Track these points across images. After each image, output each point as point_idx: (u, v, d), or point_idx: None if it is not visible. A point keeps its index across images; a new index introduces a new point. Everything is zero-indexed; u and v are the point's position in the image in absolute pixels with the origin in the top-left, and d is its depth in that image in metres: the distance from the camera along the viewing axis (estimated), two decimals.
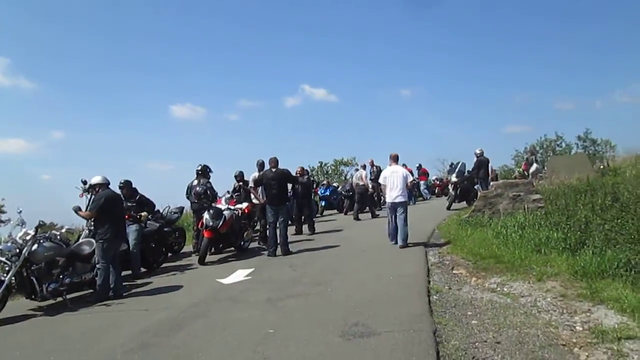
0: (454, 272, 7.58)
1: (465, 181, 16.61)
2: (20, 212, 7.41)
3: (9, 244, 7.05)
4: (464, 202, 16.83)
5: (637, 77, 60.19)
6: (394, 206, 9.97)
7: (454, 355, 4.11)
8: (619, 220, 7.90)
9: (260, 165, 12.00)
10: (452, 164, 19.49)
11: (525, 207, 10.93)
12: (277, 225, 10.09)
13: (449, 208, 16.29)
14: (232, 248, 11.09)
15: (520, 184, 11.74)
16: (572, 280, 6.18)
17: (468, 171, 16.95)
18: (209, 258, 10.12)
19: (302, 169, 14.18)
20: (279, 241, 10.04)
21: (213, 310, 6.19)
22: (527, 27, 70.34)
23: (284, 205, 10.31)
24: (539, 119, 62.88)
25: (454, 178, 16.82)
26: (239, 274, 8.43)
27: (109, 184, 8.00)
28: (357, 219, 15.98)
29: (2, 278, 6.68)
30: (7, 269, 6.82)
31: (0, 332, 6.20)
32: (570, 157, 25.97)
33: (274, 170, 10.22)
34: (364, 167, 18.15)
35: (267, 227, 10.60)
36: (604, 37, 65.18)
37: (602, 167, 19.45)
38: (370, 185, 19.45)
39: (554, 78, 67.49)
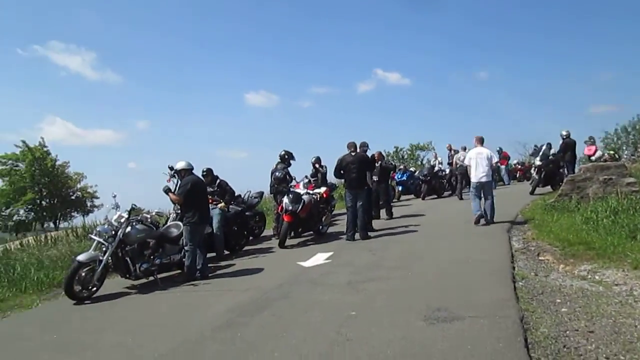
0: (539, 258, 7.30)
1: (550, 164, 15.84)
2: (115, 196, 7.91)
3: (106, 227, 7.54)
4: (549, 187, 16.08)
5: None
6: (480, 185, 10.51)
7: (544, 343, 3.96)
8: None
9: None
10: (535, 146, 18.69)
11: (618, 191, 10.28)
12: (357, 208, 10.09)
13: (532, 193, 15.64)
14: (311, 232, 11.25)
15: (612, 167, 11.04)
16: None
17: (553, 154, 16.14)
18: (288, 242, 10.33)
19: (380, 153, 14.09)
20: (357, 225, 10.06)
21: (295, 292, 6.32)
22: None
23: (363, 190, 10.28)
24: (626, 97, 58.66)
25: (537, 161, 16.08)
26: (319, 257, 8.55)
27: (192, 169, 8.33)
28: (461, 198, 16.02)
29: (101, 258, 7.16)
30: (104, 249, 7.30)
31: (101, 307, 6.68)
32: None
33: (353, 154, 10.19)
34: (464, 148, 17.76)
35: (346, 211, 10.60)
36: None
37: None
38: (448, 170, 19.16)
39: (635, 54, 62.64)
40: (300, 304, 5.76)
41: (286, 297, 6.13)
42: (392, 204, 14.30)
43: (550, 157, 15.90)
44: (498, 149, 22.99)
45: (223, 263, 9.16)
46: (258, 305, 5.85)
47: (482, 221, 10.37)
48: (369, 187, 10.87)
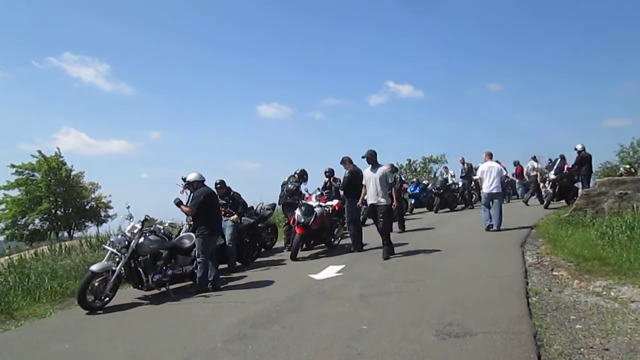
0: (553, 273, 7.22)
1: (565, 178, 15.71)
2: (129, 207, 7.99)
3: (119, 237, 7.61)
4: (563, 201, 15.94)
5: None
6: (490, 196, 11.68)
7: None
8: None
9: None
10: (550, 159, 18.57)
11: (634, 206, 10.15)
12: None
13: (546, 207, 15.51)
14: (323, 244, 11.24)
15: (628, 182, 10.91)
16: None
17: (567, 168, 16.04)
18: (300, 254, 10.33)
19: (392, 166, 14.07)
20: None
21: (306, 305, 6.31)
22: (622, 13, 65.03)
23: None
24: None
25: (552, 175, 15.96)
26: (331, 270, 8.54)
27: (204, 180, 8.37)
28: (547, 207, 15.66)
29: (114, 268, 7.22)
30: (117, 259, 7.36)
31: (113, 318, 6.71)
32: None
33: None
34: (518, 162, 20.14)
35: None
36: None
37: None
38: (461, 183, 19.12)
39: None
40: (312, 316, 5.75)
41: (297, 309, 6.12)
42: (404, 216, 14.25)
43: (565, 171, 15.79)
44: (515, 161, 22.75)
45: (235, 275, 9.18)
46: (269, 317, 5.84)
47: (493, 228, 11.46)
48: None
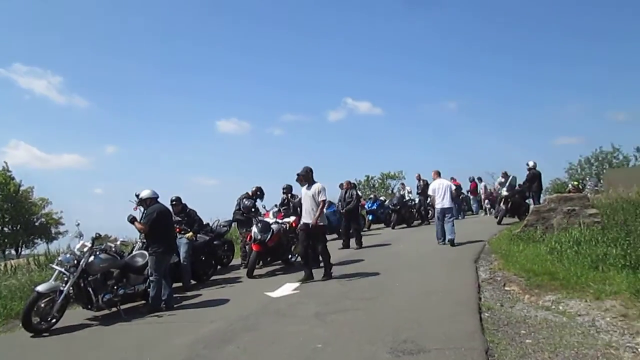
0: (505, 288, 7.37)
1: (517, 195, 16.19)
2: (79, 224, 7.74)
3: (68, 256, 7.35)
4: (515, 217, 16.40)
5: None
6: (443, 211, 12.27)
7: None
8: None
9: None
10: (503, 176, 19.10)
11: (581, 222, 10.53)
12: None
13: (499, 222, 15.90)
14: (280, 262, 11.17)
15: (575, 198, 11.33)
16: (633, 300, 5.89)
17: (519, 185, 16.55)
18: (256, 271, 10.22)
19: (350, 183, 14.17)
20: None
21: (262, 324, 6.23)
22: (575, 40, 68.01)
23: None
24: (590, 130, 60.67)
25: (504, 192, 16.41)
26: (287, 288, 8.47)
27: (157, 197, 8.21)
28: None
29: (62, 288, 6.94)
30: (65, 279, 7.09)
31: (60, 340, 6.43)
32: (628, 169, 25.02)
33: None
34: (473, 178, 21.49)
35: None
36: None
37: None
38: (417, 199, 19.42)
39: (606, 87, 65.03)
40: (267, 336, 5.67)
41: (253, 328, 6.03)
42: (362, 233, 14.33)
43: (517, 188, 16.27)
44: (470, 177, 23.31)
45: (189, 293, 8.99)
46: (224, 337, 5.73)
47: (447, 242, 11.99)
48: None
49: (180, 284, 9.35)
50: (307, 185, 9.10)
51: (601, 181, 21.02)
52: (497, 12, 69.13)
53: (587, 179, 32.04)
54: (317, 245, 9.02)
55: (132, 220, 7.93)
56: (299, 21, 75.33)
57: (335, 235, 15.79)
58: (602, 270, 7.25)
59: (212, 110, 74.52)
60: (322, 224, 8.99)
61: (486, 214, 21.58)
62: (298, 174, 9.17)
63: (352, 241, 13.32)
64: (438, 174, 12.93)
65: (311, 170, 9.18)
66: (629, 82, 62.90)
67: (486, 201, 21.95)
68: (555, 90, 67.39)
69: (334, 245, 13.62)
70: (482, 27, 72.51)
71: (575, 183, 20.51)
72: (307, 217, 8.95)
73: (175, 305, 7.86)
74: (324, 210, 9.05)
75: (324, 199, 8.94)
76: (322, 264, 9.18)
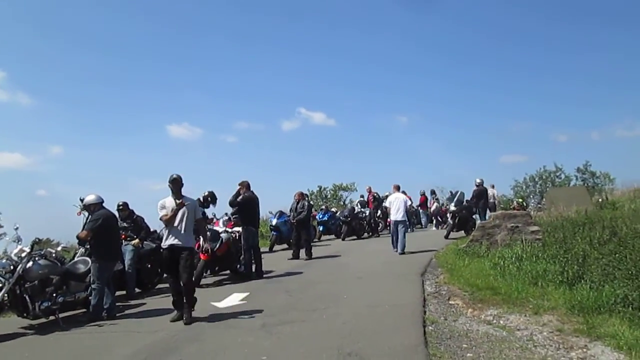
0: (450, 302, 7.53)
1: (464, 210, 16.61)
2: (17, 228, 7.38)
3: (4, 261, 7.00)
4: (462, 232, 16.80)
5: (633, 110, 60.74)
6: (397, 223, 13.06)
7: None
8: (617, 255, 7.88)
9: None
10: (451, 192, 19.56)
11: (523, 238, 10.91)
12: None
13: (446, 237, 16.24)
14: (228, 271, 11.03)
15: (518, 215, 11.75)
16: (569, 315, 6.15)
17: (467, 200, 16.99)
18: (204, 281, 10.06)
19: (301, 193, 14.19)
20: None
21: (206, 335, 6.13)
22: (522, 58, 70.53)
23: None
24: (535, 149, 62.87)
25: (452, 207, 16.81)
26: (234, 298, 8.38)
27: (102, 202, 7.97)
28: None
29: None
30: (0, 285, 6.77)
31: None
32: (569, 189, 26.01)
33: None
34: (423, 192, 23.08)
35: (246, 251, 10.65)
36: (600, 70, 65.65)
37: (600, 200, 19.46)
38: (368, 212, 19.64)
39: (549, 109, 67.69)
40: (211, 347, 5.59)
41: (197, 339, 5.92)
42: (312, 244, 14.34)
43: (464, 204, 16.69)
44: (422, 191, 23.86)
45: (133, 302, 8.75)
46: (166, 348, 5.61)
47: (398, 252, 12.72)
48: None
49: (124, 292, 9.09)
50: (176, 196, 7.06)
51: (544, 199, 21.83)
52: (453, 26, 71.11)
53: (531, 196, 33.32)
54: (184, 274, 6.94)
55: (78, 237, 7.76)
56: (251, 29, 74.55)
57: (285, 245, 15.76)
58: (541, 286, 7.55)
59: (163, 114, 72.64)
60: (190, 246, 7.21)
61: (437, 228, 22.06)
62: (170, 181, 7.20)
63: (302, 252, 13.30)
64: (397, 188, 13.87)
65: (180, 179, 7.10)
66: (570, 106, 65.86)
67: (437, 216, 22.54)
68: (502, 110, 69.55)
69: (284, 256, 13.61)
70: (435, 40, 74.22)
71: (520, 200, 21.21)
72: (173, 238, 7.04)
73: (117, 315, 7.63)
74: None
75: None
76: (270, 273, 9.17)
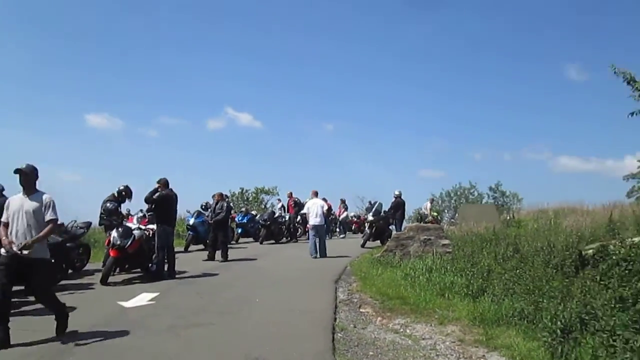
0: (360, 310, 7.67)
1: (381, 221, 17.00)
2: None
3: None
4: (378, 241, 17.18)
5: (542, 135, 65.30)
6: (315, 228, 13.64)
7: None
8: (518, 271, 8.36)
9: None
10: (370, 202, 19.96)
11: (435, 251, 11.34)
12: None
13: (363, 246, 16.52)
14: (139, 270, 10.64)
15: (431, 229, 12.21)
16: (470, 326, 6.45)
17: (385, 211, 17.41)
18: (112, 278, 9.63)
19: (221, 194, 13.98)
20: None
21: (109, 335, 5.85)
22: (440, 80, 73.68)
23: None
24: (452, 165, 65.84)
25: (370, 217, 17.16)
26: (143, 298, 8.08)
27: (3, 190, 7.46)
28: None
29: None
30: None
31: None
32: (480, 206, 27.38)
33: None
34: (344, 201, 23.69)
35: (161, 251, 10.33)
36: (515, 97, 69.95)
37: (508, 218, 20.55)
38: (288, 216, 19.71)
39: (466, 128, 71.25)
40: (113, 349, 5.36)
41: (98, 341, 5.65)
42: (229, 246, 14.14)
43: (382, 214, 17.10)
44: (342, 199, 24.24)
45: (32, 298, 8.20)
46: (63, 350, 5.31)
47: (317, 256, 13.25)
48: None
49: (22, 287, 8.52)
50: (24, 190, 5.78)
51: (457, 214, 22.83)
52: (378, 42, 72.92)
53: (446, 211, 34.75)
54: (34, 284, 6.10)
55: None
56: (178, 28, 72.39)
57: (202, 246, 15.44)
58: (448, 298, 7.87)
59: (81, 103, 68.97)
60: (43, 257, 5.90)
61: (342, 236, 22.70)
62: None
63: (219, 253, 13.08)
64: (315, 194, 14.69)
65: (32, 171, 5.81)
66: (484, 125, 69.73)
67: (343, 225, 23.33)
68: (422, 126, 72.33)
69: (199, 256, 13.33)
70: (361, 55, 75.85)
71: (435, 214, 22.05)
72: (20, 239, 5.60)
73: (12, 311, 7.13)
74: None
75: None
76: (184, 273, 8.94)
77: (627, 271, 7.38)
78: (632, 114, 8.77)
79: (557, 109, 67.03)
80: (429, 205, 22.25)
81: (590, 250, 8.68)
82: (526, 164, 61.31)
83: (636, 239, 8.78)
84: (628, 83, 8.68)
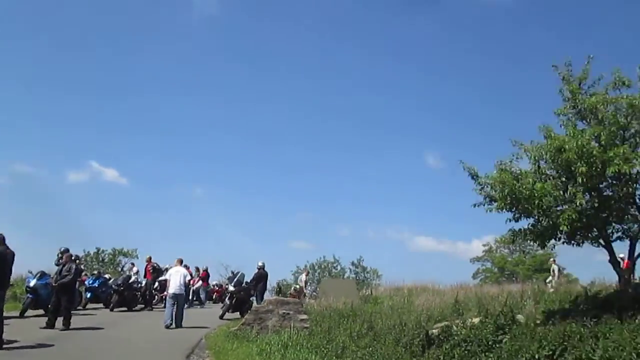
0: None
1: (242, 292, 16.70)
2: None
3: None
4: (238, 313, 16.77)
5: (402, 216, 69.90)
6: (175, 296, 13.22)
7: None
8: (370, 349, 8.59)
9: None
10: (232, 272, 19.67)
11: (293, 325, 11.29)
12: None
13: (221, 317, 15.99)
14: None
15: (291, 303, 12.22)
16: None
17: (247, 282, 17.17)
18: None
19: (70, 255, 12.92)
20: None
21: None
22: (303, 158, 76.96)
23: None
24: (319, 238, 67.77)
25: (231, 287, 16.81)
26: None
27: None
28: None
29: None
30: None
31: None
32: (340, 281, 27.97)
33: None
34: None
35: None
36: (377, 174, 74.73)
37: (366, 294, 21.20)
38: (144, 282, 18.72)
39: (332, 204, 74.38)
40: None
41: None
42: (74, 312, 12.90)
43: (244, 285, 16.83)
44: (205, 267, 23.46)
45: None
46: None
47: (173, 326, 12.69)
48: None
49: None
50: None
51: (318, 288, 23.14)
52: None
53: (309, 283, 35.10)
54: None
55: None
56: (35, 69, 67.92)
57: (42, 311, 13.90)
58: None
59: None
60: None
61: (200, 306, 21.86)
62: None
63: (60, 320, 11.85)
64: (180, 262, 14.48)
65: None
66: (346, 201, 73.58)
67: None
68: (288, 200, 74.44)
69: (37, 323, 11.94)
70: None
71: (297, 286, 22.18)
72: None
73: None
74: None
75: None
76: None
77: (466, 351, 7.95)
78: (474, 205, 9.73)
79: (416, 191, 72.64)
80: (304, 277, 22.37)
81: (436, 330, 9.22)
82: (387, 241, 64.79)
83: (476, 320, 9.52)
84: (472, 178, 9.66)
